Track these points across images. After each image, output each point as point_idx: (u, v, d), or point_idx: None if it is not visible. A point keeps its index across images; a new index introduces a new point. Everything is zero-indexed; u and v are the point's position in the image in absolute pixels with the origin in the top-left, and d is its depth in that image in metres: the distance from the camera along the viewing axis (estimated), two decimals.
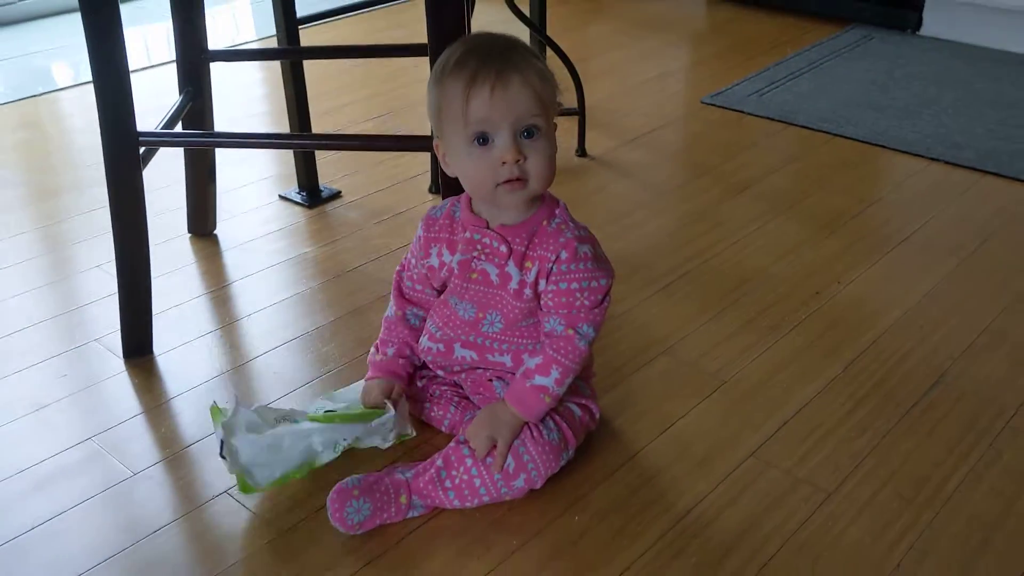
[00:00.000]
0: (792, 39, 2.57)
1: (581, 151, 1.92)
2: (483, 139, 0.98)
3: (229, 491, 1.09)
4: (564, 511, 1.06)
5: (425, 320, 1.15)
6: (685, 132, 2.05)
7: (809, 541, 1.02)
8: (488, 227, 1.05)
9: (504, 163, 0.97)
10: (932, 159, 1.88)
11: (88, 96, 2.21)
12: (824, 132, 2.01)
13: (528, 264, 1.04)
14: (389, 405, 1.09)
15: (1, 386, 1.27)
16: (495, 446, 1.03)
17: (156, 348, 1.33)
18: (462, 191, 1.07)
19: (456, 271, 1.08)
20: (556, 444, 1.05)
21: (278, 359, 1.32)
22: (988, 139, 1.95)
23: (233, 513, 1.06)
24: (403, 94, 2.23)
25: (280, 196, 1.77)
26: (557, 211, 1.06)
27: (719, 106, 2.15)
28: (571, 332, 1.03)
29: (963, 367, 1.29)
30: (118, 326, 1.33)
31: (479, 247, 1.06)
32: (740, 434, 1.18)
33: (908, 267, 1.53)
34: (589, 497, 1.08)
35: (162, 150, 1.39)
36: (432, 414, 1.17)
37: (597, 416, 1.14)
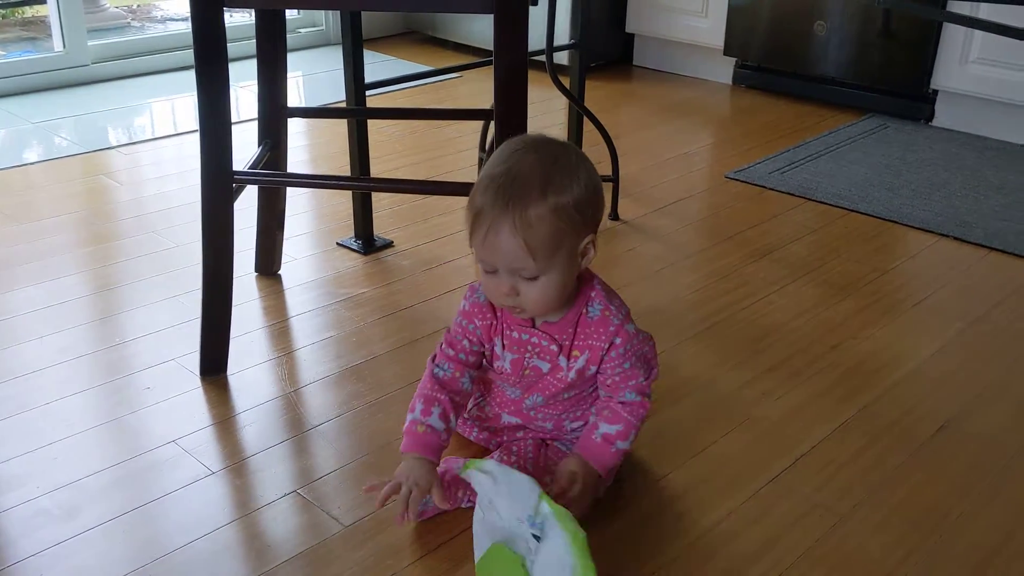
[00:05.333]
0: (812, 125, 2.74)
1: (614, 215, 2.07)
2: (488, 267, 1.05)
3: (298, 490, 1.21)
4: (603, 517, 1.16)
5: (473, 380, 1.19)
6: (710, 203, 2.20)
7: (825, 555, 1.13)
8: (533, 325, 1.12)
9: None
10: (943, 235, 2.02)
11: (144, 153, 2.42)
12: (841, 208, 2.16)
13: (576, 353, 1.12)
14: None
15: (93, 395, 1.40)
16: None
17: (228, 369, 1.46)
18: None
19: (508, 370, 1.16)
20: None
21: (339, 383, 1.45)
22: (995, 220, 2.09)
23: (302, 508, 1.18)
24: (451, 161, 2.40)
25: (338, 243, 1.92)
26: (593, 294, 1.11)
27: (742, 181, 2.31)
28: (645, 400, 1.15)
29: (968, 415, 1.41)
30: (194, 348, 1.47)
31: (529, 347, 1.13)
32: (763, 462, 1.29)
33: (919, 328, 1.66)
34: (627, 509, 1.19)
35: (236, 200, 1.54)
36: (481, 436, 1.28)
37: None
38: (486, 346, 1.16)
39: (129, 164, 2.36)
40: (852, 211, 2.14)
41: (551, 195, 0.99)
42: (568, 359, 1.13)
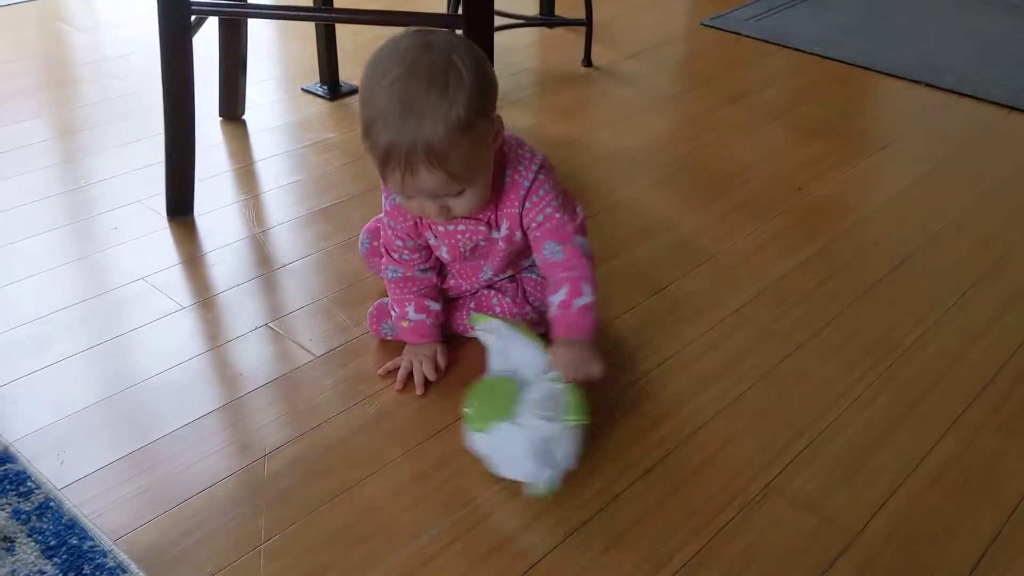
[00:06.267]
0: None
1: (588, 62, 2.04)
2: (408, 196, 1.00)
3: (269, 323, 1.23)
4: None
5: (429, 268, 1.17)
6: (685, 49, 2.17)
7: (781, 378, 1.17)
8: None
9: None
10: (914, 81, 2.01)
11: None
12: (815, 54, 2.13)
13: (503, 221, 1.08)
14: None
15: (60, 235, 1.40)
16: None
17: (196, 210, 1.46)
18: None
19: (447, 257, 1.14)
20: None
21: (308, 224, 1.45)
22: (967, 66, 2.07)
23: (273, 340, 1.20)
24: (420, 4, 2.33)
25: (303, 89, 1.88)
26: (504, 161, 1.05)
27: (718, 28, 2.26)
28: (571, 247, 1.07)
29: (926, 252, 1.44)
30: (160, 191, 1.46)
31: (459, 235, 1.09)
32: (724, 296, 1.32)
33: (884, 170, 1.67)
34: None
35: (196, 44, 1.48)
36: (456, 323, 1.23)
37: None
38: (421, 238, 1.13)
39: (86, 9, 2.28)
40: (826, 57, 2.12)
41: (452, 112, 0.91)
42: (498, 230, 1.10)
